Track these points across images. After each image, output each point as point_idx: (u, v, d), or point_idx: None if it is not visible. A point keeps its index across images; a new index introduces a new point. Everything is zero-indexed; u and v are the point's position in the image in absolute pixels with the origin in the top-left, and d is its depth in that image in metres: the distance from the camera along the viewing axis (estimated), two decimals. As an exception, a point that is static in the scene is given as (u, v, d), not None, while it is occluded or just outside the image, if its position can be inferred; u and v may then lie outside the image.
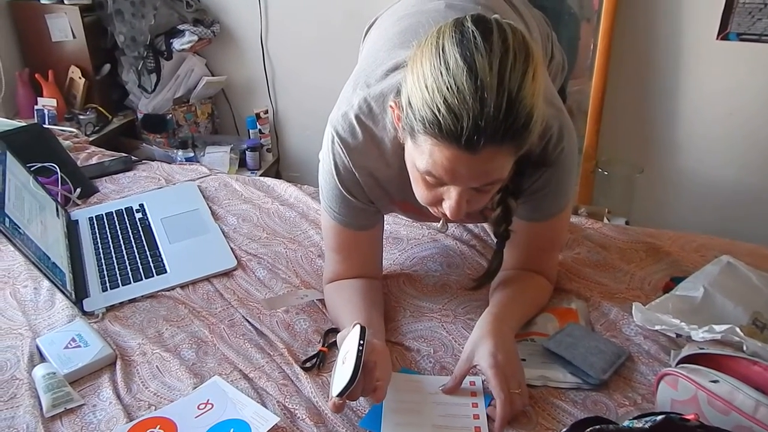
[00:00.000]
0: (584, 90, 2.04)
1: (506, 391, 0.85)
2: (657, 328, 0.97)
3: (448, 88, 0.73)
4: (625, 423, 0.70)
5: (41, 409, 0.93)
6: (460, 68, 0.73)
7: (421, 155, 0.80)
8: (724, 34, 1.85)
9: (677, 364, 0.88)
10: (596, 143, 2.08)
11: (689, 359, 0.87)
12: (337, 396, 0.83)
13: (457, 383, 0.92)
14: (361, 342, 0.84)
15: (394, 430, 0.87)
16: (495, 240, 1.00)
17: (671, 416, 0.68)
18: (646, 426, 0.68)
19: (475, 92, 0.72)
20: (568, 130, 0.95)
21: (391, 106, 0.87)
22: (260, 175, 1.96)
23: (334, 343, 0.99)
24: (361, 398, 0.89)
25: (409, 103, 0.78)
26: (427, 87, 0.75)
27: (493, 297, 1.04)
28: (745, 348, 0.85)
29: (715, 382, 0.79)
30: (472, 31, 0.74)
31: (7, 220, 1.09)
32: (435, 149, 0.77)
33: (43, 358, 1.03)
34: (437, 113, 0.74)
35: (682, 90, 2.00)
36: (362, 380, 0.83)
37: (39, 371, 0.98)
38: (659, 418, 0.68)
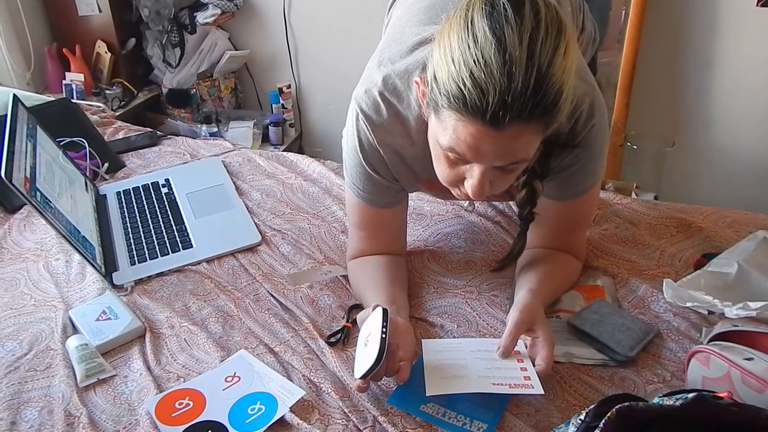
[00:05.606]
0: (614, 62, 1.98)
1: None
2: (688, 304, 0.95)
3: (475, 62, 0.71)
4: (655, 400, 0.69)
5: (75, 379, 0.95)
6: (489, 41, 0.71)
7: (445, 131, 0.78)
8: (764, 0, 1.77)
9: (709, 341, 0.86)
10: (625, 117, 2.03)
11: (722, 336, 0.85)
12: (361, 378, 0.83)
13: (513, 341, 0.88)
14: (384, 325, 0.84)
15: (440, 384, 0.86)
16: (519, 221, 0.99)
17: (703, 394, 0.67)
18: (677, 404, 0.66)
19: (503, 66, 0.70)
20: (600, 106, 0.92)
21: (416, 82, 0.85)
22: (283, 151, 1.96)
23: (359, 319, 0.99)
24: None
25: (435, 77, 0.76)
26: (453, 60, 0.73)
27: (525, 276, 1.02)
28: (781, 326, 0.83)
29: (749, 359, 0.77)
30: (503, 4, 0.72)
31: (38, 194, 1.10)
32: (459, 125, 0.75)
33: (75, 330, 1.05)
34: (462, 87, 0.72)
35: (718, 60, 1.93)
36: (386, 362, 0.83)
37: (72, 342, 1.00)
38: (691, 395, 0.66)
